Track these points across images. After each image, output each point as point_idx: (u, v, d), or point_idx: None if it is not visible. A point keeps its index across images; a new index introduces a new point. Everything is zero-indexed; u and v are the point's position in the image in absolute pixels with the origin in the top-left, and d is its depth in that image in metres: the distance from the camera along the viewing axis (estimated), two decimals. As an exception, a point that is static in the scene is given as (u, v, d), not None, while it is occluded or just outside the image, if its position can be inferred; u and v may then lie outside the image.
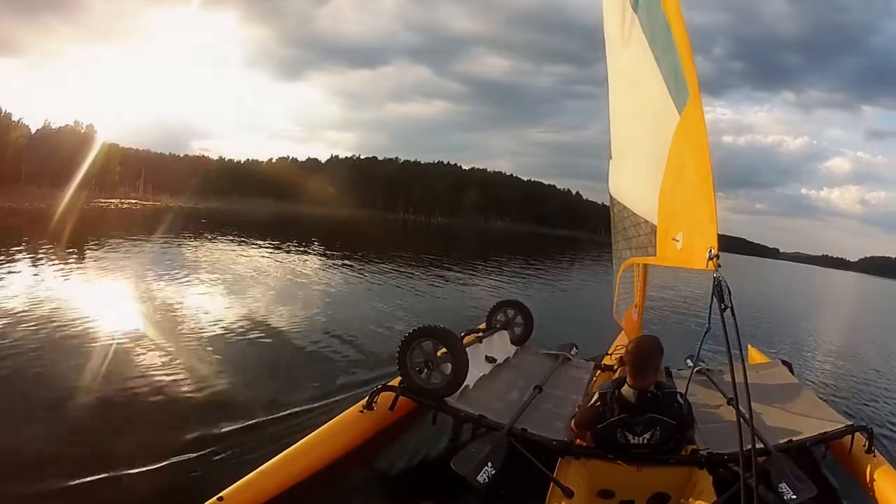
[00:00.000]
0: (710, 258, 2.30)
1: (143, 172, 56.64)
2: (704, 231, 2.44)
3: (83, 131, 48.00)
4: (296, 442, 2.84)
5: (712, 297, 2.19)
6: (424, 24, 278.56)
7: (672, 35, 2.80)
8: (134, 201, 40.26)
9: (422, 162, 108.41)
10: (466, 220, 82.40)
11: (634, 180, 3.80)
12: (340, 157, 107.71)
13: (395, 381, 3.31)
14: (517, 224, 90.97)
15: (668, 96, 2.83)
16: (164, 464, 2.87)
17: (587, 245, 49.71)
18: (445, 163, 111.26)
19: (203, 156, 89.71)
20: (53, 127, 47.75)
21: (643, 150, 3.43)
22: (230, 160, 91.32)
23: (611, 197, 4.79)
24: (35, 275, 8.15)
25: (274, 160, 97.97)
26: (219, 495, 2.32)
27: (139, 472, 2.77)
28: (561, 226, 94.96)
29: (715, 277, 2.22)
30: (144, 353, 4.62)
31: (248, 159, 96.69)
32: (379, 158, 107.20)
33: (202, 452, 3.04)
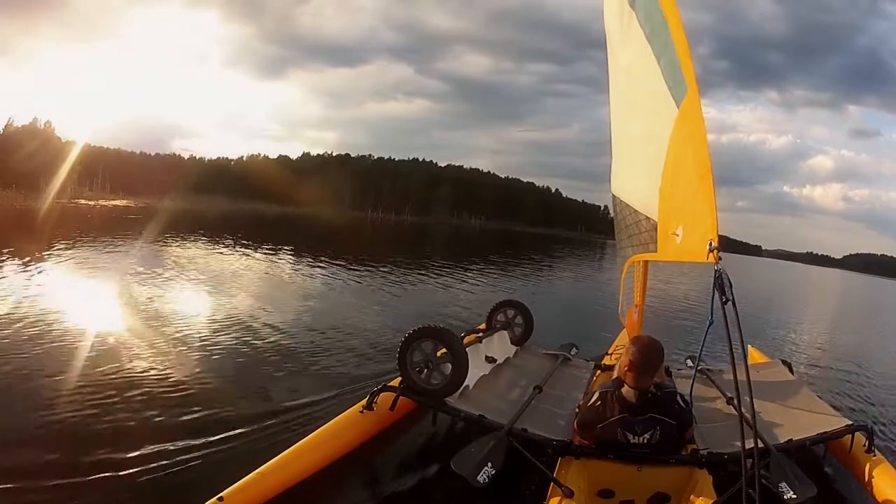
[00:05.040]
0: (711, 250, 2.30)
1: (100, 171, 55.65)
2: (704, 224, 2.44)
3: (42, 128, 47.29)
4: (296, 442, 2.84)
5: (714, 291, 2.18)
6: (405, 22, 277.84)
7: (669, 30, 2.81)
8: (83, 201, 39.09)
9: (396, 159, 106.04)
10: (438, 217, 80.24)
11: (635, 177, 3.80)
12: (312, 153, 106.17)
13: (395, 381, 3.31)
14: (492, 222, 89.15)
15: (667, 91, 2.84)
16: (163, 464, 2.87)
17: (569, 243, 49.39)
18: (420, 160, 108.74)
19: (173, 154, 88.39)
20: (17, 125, 47.09)
21: (643, 146, 3.44)
22: (200, 158, 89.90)
23: (613, 196, 4.79)
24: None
25: (245, 158, 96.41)
26: (219, 495, 2.31)
27: (139, 473, 2.77)
28: (538, 223, 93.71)
29: (716, 270, 2.21)
30: (136, 355, 4.61)
31: (219, 157, 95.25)
32: (352, 155, 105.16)
33: (202, 452, 3.04)
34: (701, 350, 3.09)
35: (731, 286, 2.17)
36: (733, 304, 2.12)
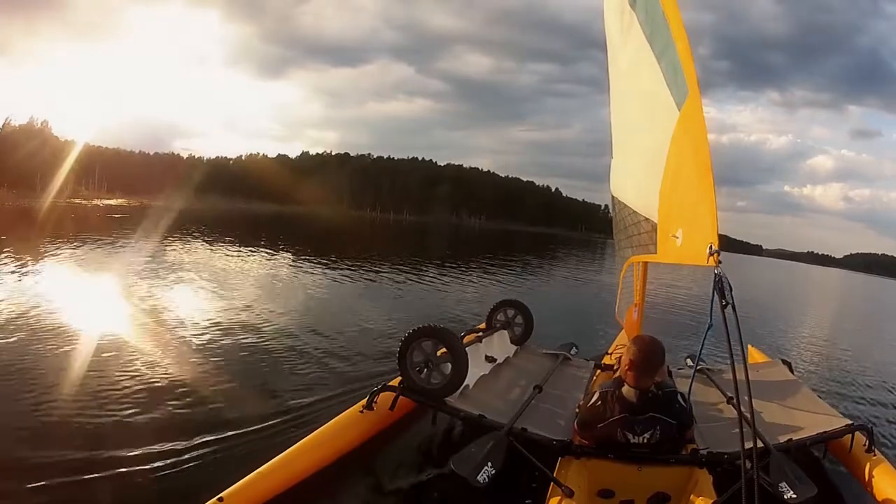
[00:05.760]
0: (711, 254, 2.30)
1: (97, 171, 55.69)
2: (704, 227, 2.45)
3: (38, 128, 47.85)
4: (296, 442, 2.84)
5: (713, 294, 2.19)
6: (405, 22, 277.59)
7: (670, 31, 2.81)
8: (79, 200, 38.79)
9: (395, 158, 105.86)
10: (438, 217, 79.58)
11: (635, 179, 3.81)
12: (311, 153, 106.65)
13: (395, 381, 3.31)
14: (491, 221, 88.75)
15: (668, 93, 2.83)
16: (163, 463, 2.87)
17: (569, 243, 49.02)
18: (420, 159, 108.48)
19: (172, 154, 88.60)
20: (15, 125, 47.75)
21: (644, 148, 3.44)
22: (200, 158, 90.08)
23: (612, 197, 4.79)
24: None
25: (244, 157, 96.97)
26: (219, 495, 2.32)
27: (139, 473, 2.77)
28: (538, 223, 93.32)
29: (716, 273, 2.22)
30: (137, 355, 4.60)
31: (218, 156, 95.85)
32: (352, 154, 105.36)
33: (202, 452, 3.04)
34: (699, 353, 3.09)
35: (731, 290, 2.18)
36: (733, 307, 2.13)
